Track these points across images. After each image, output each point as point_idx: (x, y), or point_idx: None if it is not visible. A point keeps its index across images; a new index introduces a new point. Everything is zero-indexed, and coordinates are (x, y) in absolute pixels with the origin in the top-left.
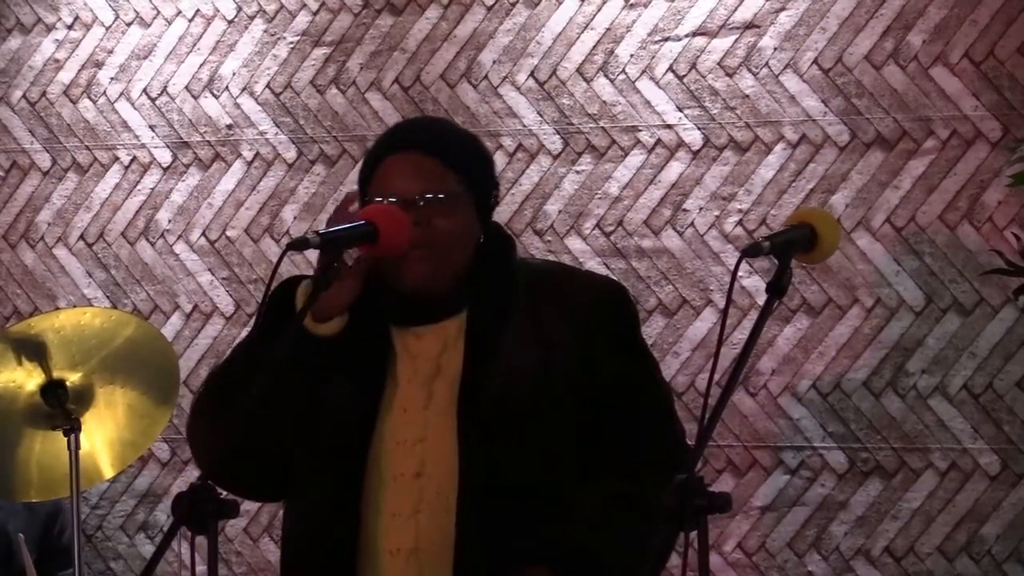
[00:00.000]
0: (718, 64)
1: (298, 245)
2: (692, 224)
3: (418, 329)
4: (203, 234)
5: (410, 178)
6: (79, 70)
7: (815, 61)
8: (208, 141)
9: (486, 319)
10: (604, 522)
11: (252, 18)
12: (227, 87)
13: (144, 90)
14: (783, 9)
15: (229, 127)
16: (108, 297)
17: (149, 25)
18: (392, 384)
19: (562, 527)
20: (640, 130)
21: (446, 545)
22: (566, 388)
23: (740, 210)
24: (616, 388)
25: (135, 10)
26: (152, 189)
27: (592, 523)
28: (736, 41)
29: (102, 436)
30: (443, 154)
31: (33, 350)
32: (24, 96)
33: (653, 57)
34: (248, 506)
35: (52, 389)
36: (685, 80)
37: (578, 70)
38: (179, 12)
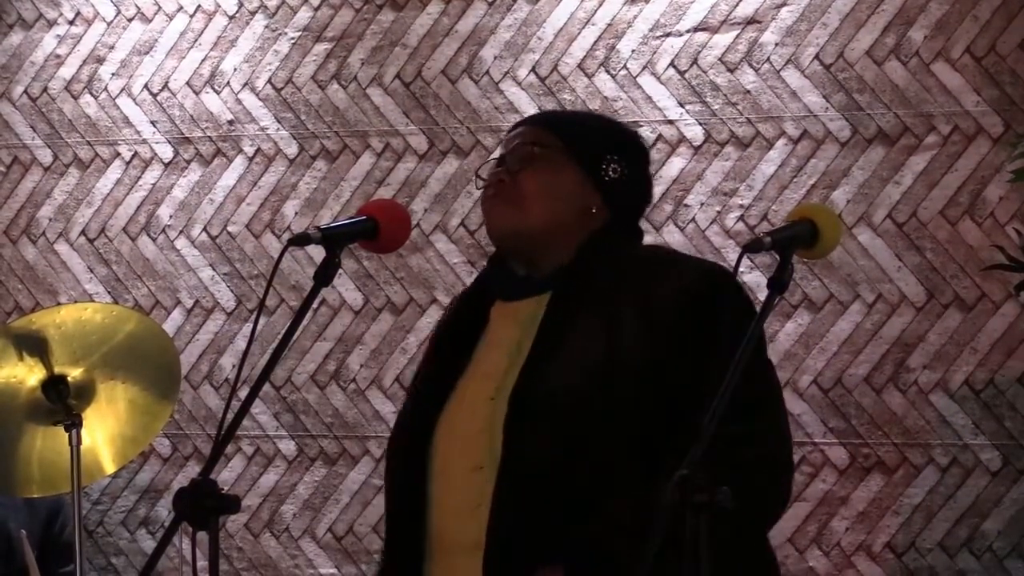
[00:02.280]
0: (719, 59)
1: (299, 241)
2: (693, 219)
3: (515, 305)
4: (204, 230)
5: (510, 143)
6: (80, 66)
7: (816, 56)
8: (209, 137)
9: (563, 304)
10: (631, 525)
11: (253, 13)
12: (228, 83)
13: (145, 86)
14: (784, 4)
15: (230, 123)
16: (109, 292)
17: (150, 21)
18: (470, 374)
19: (588, 527)
20: (641, 125)
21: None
22: (628, 387)
23: (741, 206)
24: (692, 392)
25: (136, 5)
26: (153, 185)
27: (618, 525)
28: (737, 36)
29: (103, 432)
30: (547, 121)
31: (34, 346)
32: (25, 91)
33: (654, 52)
34: (249, 502)
35: (53, 385)
36: (686, 75)
37: (579, 66)
38: (180, 8)
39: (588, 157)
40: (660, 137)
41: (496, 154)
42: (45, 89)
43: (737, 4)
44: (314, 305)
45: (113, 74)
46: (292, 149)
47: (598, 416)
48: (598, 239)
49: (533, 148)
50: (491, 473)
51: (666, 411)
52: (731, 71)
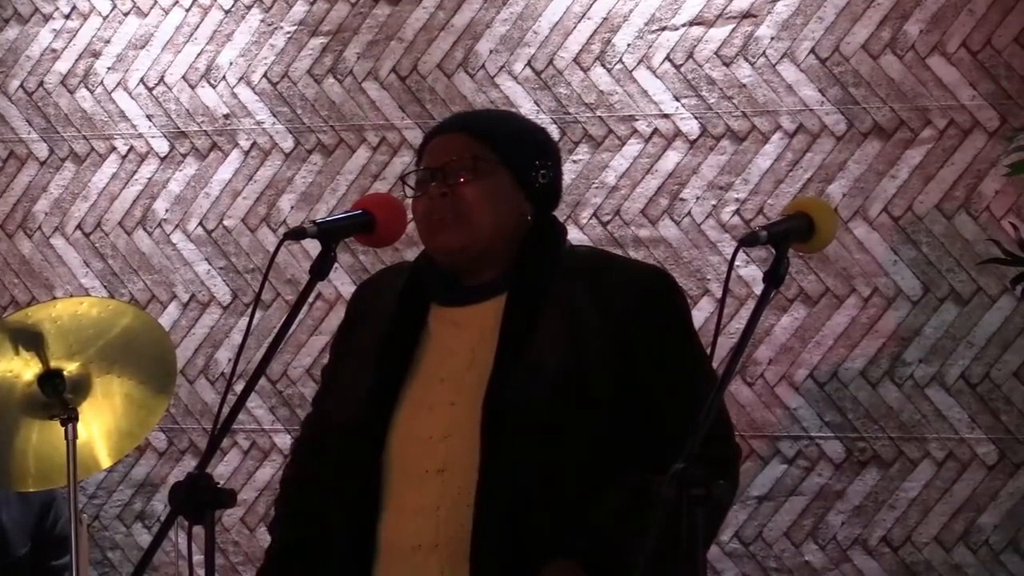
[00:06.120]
0: (715, 53)
1: (295, 235)
2: (689, 213)
3: (458, 311)
4: (200, 224)
5: (441, 152)
6: (76, 60)
7: (812, 50)
8: (205, 131)
9: (522, 308)
10: (633, 515)
11: (249, 8)
12: (224, 77)
13: (141, 80)
14: None
15: (226, 117)
16: (105, 287)
17: (146, 15)
18: (419, 378)
19: (590, 521)
20: (637, 119)
21: (466, 541)
22: (597, 385)
23: (737, 199)
24: (655, 385)
25: (132, 0)
26: (149, 179)
27: (621, 516)
28: (733, 30)
29: (99, 426)
30: (476, 130)
31: (30, 340)
32: (21, 86)
33: (650, 46)
34: (245, 496)
35: (49, 379)
36: (682, 69)
37: (575, 59)
38: (176, 2)
39: (521, 166)
40: (656, 131)
41: (424, 163)
42: (41, 83)
43: None
44: (310, 299)
45: (109, 68)
46: (288, 143)
47: (573, 419)
48: (537, 242)
49: (470, 160)
50: (454, 477)
51: (631, 408)
52: (727, 65)
